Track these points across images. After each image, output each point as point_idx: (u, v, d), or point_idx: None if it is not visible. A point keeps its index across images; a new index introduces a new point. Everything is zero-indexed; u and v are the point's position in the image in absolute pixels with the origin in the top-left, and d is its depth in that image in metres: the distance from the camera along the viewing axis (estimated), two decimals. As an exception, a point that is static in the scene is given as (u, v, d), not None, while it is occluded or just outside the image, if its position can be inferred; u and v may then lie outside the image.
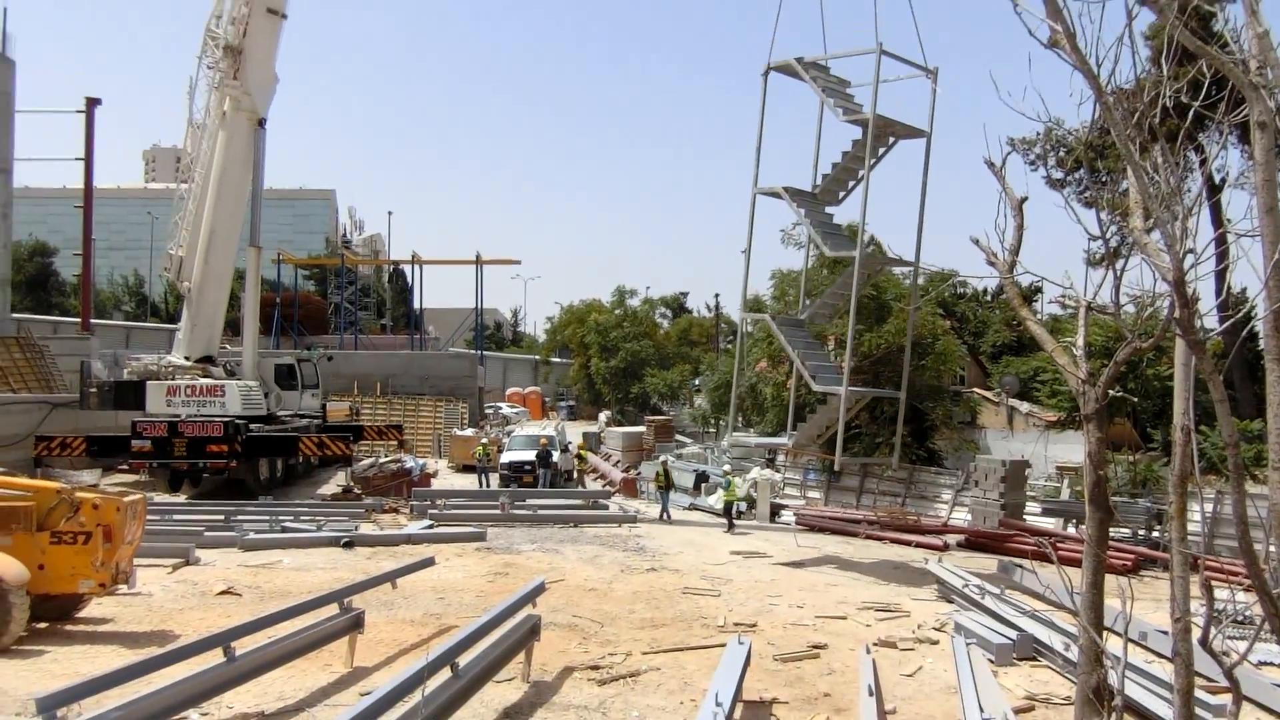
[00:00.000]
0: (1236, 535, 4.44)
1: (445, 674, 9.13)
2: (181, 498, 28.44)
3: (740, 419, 38.39)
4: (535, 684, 11.58)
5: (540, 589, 13.39)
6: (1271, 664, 13.07)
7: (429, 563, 16.91)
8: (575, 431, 46.70)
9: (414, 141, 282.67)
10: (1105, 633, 5.97)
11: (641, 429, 45.06)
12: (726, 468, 30.43)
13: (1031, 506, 27.52)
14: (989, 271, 6.90)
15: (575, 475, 34.43)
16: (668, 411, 56.62)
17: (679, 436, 46.20)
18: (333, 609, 11.97)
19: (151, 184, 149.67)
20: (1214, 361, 4.68)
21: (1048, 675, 12.67)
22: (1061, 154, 36.36)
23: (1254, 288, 4.50)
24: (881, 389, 28.35)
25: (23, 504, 13.22)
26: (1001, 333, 46.88)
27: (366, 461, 32.39)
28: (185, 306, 30.57)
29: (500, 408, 57.33)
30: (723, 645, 12.31)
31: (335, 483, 31.73)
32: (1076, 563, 6.35)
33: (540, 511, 25.99)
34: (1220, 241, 4.93)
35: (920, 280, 29.32)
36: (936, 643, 14.24)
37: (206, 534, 21.03)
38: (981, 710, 10.22)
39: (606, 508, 27.33)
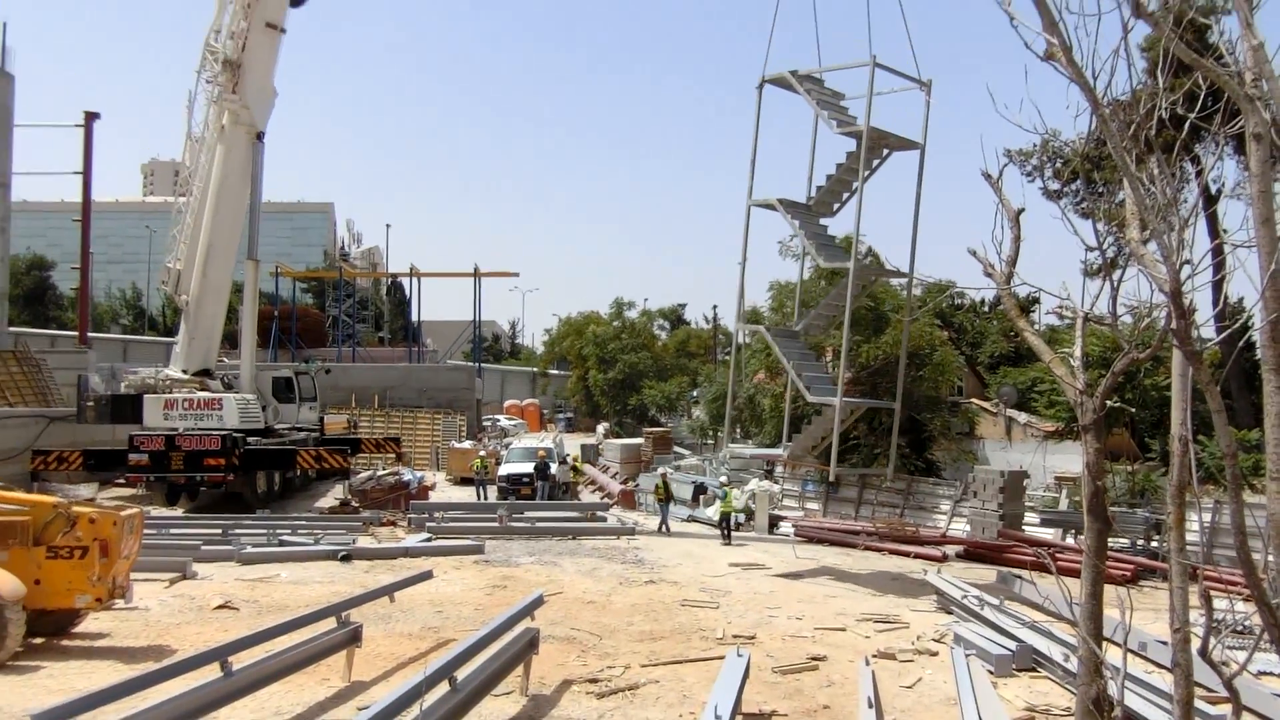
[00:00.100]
0: (1235, 545, 4.44)
1: (443, 688, 9.11)
2: (179, 511, 28.37)
3: (739, 430, 38.41)
4: (534, 697, 11.53)
5: (538, 602, 13.36)
6: (1271, 674, 13.05)
7: (427, 576, 16.88)
8: (574, 443, 46.67)
9: (412, 155, 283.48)
10: (1105, 643, 5.96)
11: (640, 441, 45.02)
12: (723, 479, 30.42)
13: (1030, 517, 27.49)
14: (986, 282, 6.90)
15: (568, 487, 34.42)
16: (666, 423, 56.59)
17: (677, 448, 46.16)
18: (330, 623, 11.94)
19: (150, 197, 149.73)
20: (1211, 372, 4.68)
21: (1047, 686, 12.64)
22: (1058, 165, 36.48)
23: (1251, 298, 4.51)
24: (880, 400, 28.39)
25: (19, 518, 13.18)
26: (999, 343, 46.95)
27: (364, 474, 32.35)
28: (183, 320, 30.58)
29: (498, 420, 57.35)
30: (722, 657, 12.29)
31: (333, 496, 31.68)
32: (1075, 573, 6.34)
33: (538, 524, 25.94)
34: (1217, 252, 4.95)
35: (918, 291, 29.39)
36: (936, 654, 14.21)
37: (204, 548, 20.96)
38: (982, 722, 10.20)
39: (605, 520, 27.29)
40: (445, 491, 35.32)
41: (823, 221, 24.89)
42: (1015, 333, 40.49)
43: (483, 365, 66.79)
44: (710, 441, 47.12)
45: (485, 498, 32.15)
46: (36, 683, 11.79)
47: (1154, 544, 23.49)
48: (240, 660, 9.80)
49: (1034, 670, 13.21)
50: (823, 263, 24.69)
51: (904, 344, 26.61)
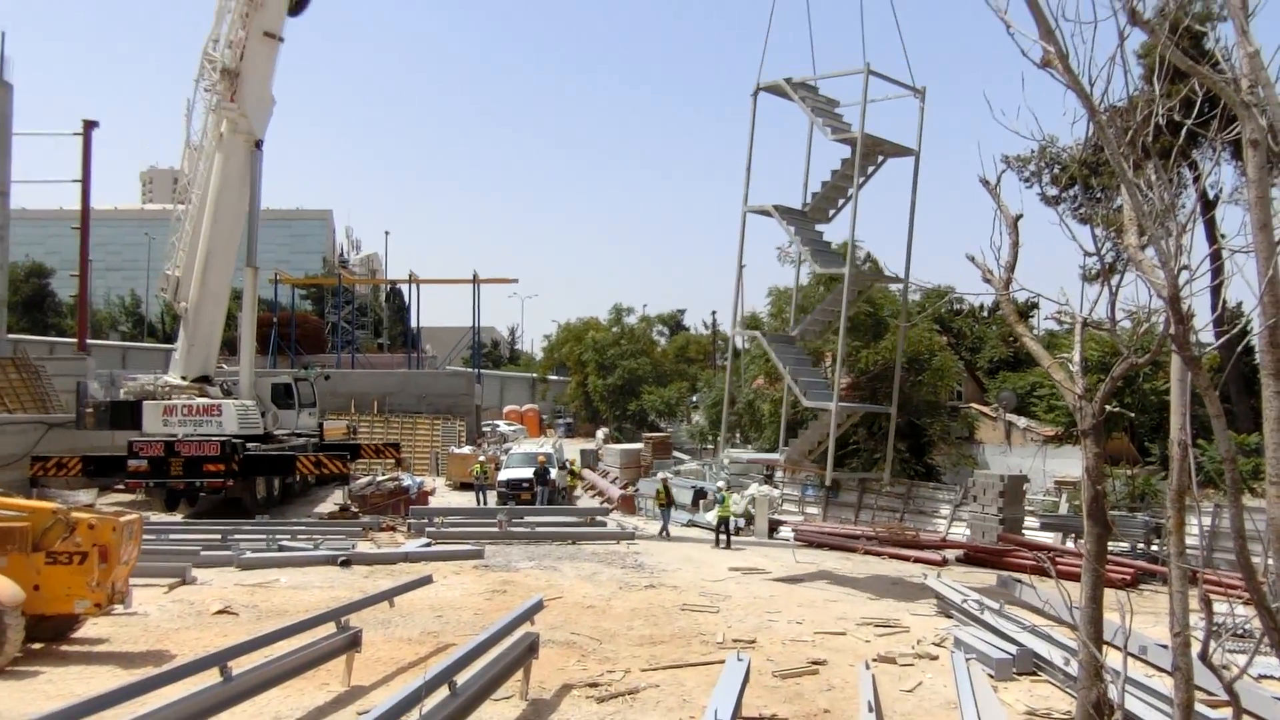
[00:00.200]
0: (1235, 549, 4.45)
1: (443, 692, 9.11)
2: (178, 517, 28.36)
3: (739, 435, 38.42)
4: (533, 702, 11.54)
5: (538, 606, 13.35)
6: (1271, 677, 13.06)
7: (426, 581, 16.87)
8: (573, 449, 46.67)
9: (411, 162, 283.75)
10: (1105, 647, 5.97)
11: (639, 446, 45.02)
12: (720, 484, 30.44)
13: (1030, 521, 27.50)
14: (985, 288, 6.93)
15: (564, 491, 34.43)
16: (665, 428, 56.59)
17: (677, 453, 46.17)
18: (330, 628, 11.94)
19: (149, 205, 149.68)
20: (1210, 376, 4.70)
21: (1048, 690, 12.64)
22: (1056, 171, 36.54)
23: (1249, 303, 4.53)
24: (879, 405, 28.42)
25: (18, 524, 13.18)
26: (998, 348, 46.97)
27: (364, 480, 32.35)
28: (182, 326, 30.59)
29: (498, 425, 57.30)
30: (722, 662, 12.29)
31: (332, 501, 31.68)
32: (1075, 577, 6.36)
33: (538, 529, 25.94)
34: (1215, 257, 4.97)
35: (917, 296, 29.46)
36: (936, 658, 14.21)
37: (203, 553, 20.96)
38: (982, 727, 10.20)
39: (605, 525, 27.27)
40: (445, 497, 35.30)
41: (819, 228, 24.98)
42: (1014, 338, 40.54)
43: (482, 371, 66.75)
44: (710, 446, 47.14)
45: (485, 503, 32.13)
46: (36, 688, 11.78)
47: (1154, 548, 23.49)
48: (240, 665, 9.80)
49: (1034, 674, 13.21)
50: (818, 268, 24.78)
51: (900, 349, 26.71)
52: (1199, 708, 9.67)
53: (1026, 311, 45.18)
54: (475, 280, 64.01)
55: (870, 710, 10.57)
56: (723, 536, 25.77)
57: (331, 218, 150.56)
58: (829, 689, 12.55)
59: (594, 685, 12.29)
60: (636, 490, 35.66)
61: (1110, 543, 6.38)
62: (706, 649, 14.41)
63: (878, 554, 25.21)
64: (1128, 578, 20.86)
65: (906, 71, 23.52)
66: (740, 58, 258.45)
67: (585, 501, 36.61)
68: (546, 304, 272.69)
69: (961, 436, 38.44)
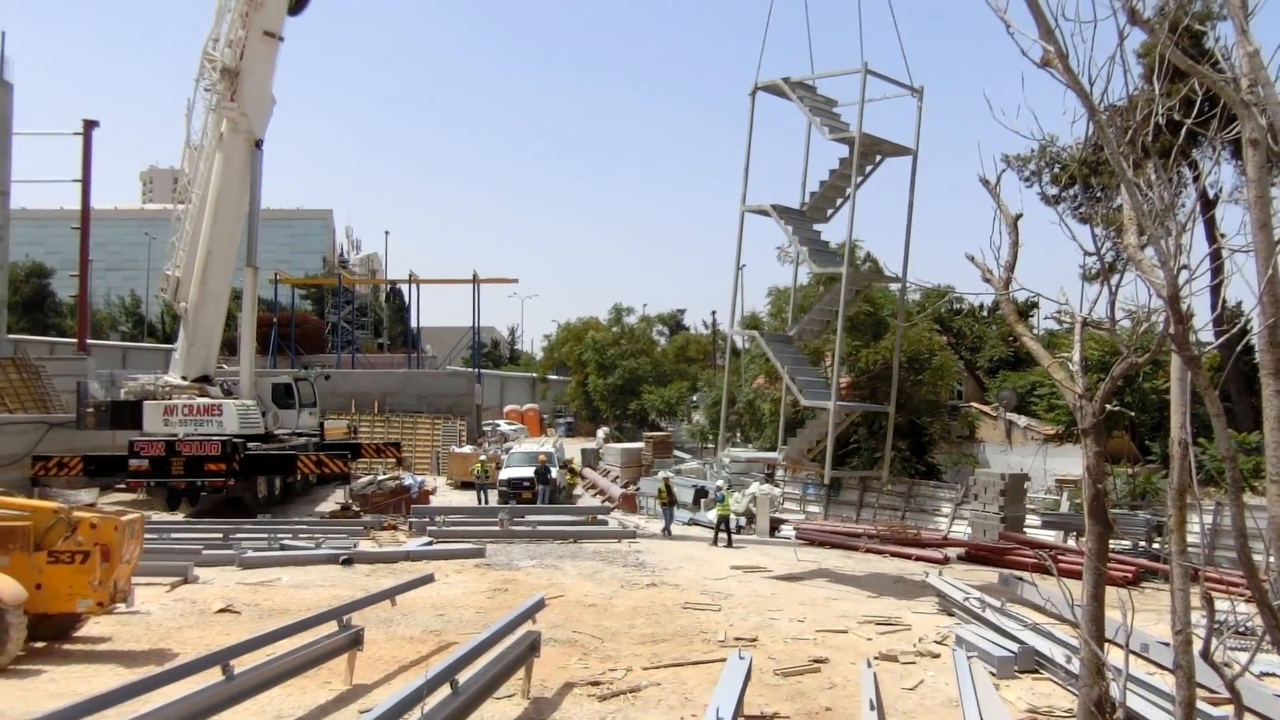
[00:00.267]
0: (1236, 547, 4.47)
1: (445, 691, 9.12)
2: (179, 516, 28.37)
3: (739, 435, 38.45)
4: (535, 700, 11.55)
5: (540, 605, 13.37)
6: (1273, 675, 13.07)
7: (428, 580, 16.89)
8: (574, 448, 46.70)
9: (411, 162, 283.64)
10: (1106, 645, 5.98)
11: (640, 445, 45.05)
12: (719, 483, 30.47)
13: (1031, 520, 27.53)
14: (985, 288, 6.93)
15: (562, 487, 34.50)
16: (666, 428, 56.63)
17: (677, 452, 46.21)
18: (332, 626, 11.95)
19: (149, 205, 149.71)
20: (1210, 375, 4.71)
21: (1049, 688, 12.66)
22: (1056, 171, 36.53)
23: (1249, 302, 4.54)
24: (879, 404, 28.47)
25: (20, 523, 13.20)
26: (998, 348, 46.97)
27: (365, 479, 32.36)
28: (182, 326, 30.60)
29: (498, 425, 57.32)
30: (723, 660, 12.30)
31: (334, 500, 31.70)
32: (1077, 575, 6.37)
33: (539, 528, 25.96)
34: (1215, 257, 4.98)
35: (917, 296, 29.48)
36: (938, 656, 14.22)
37: (205, 552, 20.98)
38: (983, 725, 10.21)
39: (606, 523, 27.30)
40: (446, 496, 35.31)
41: (817, 227, 25.02)
42: (1014, 337, 40.55)
43: (482, 371, 66.77)
44: (710, 446, 47.16)
45: (486, 502, 32.15)
46: (38, 687, 11.80)
47: (1155, 546, 23.51)
48: (242, 664, 9.81)
49: (1036, 672, 13.23)
50: (815, 267, 24.83)
51: (897, 348, 26.76)
52: (1201, 705, 9.69)
53: (1026, 311, 45.15)
54: (475, 280, 64.02)
55: (872, 708, 10.59)
56: (722, 535, 25.79)
57: (331, 218, 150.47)
58: (831, 687, 12.57)
59: (596, 683, 12.30)
60: (638, 489, 35.70)
61: (1111, 541, 6.40)
62: (708, 647, 14.43)
63: (879, 552, 25.23)
64: (1129, 575, 20.87)
65: (905, 71, 23.58)
66: (739, 58, 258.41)
67: (587, 500, 36.63)
68: (546, 304, 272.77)
69: (962, 435, 38.46)
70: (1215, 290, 5.60)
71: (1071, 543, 24.63)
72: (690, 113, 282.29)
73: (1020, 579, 19.18)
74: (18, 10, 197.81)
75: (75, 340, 41.43)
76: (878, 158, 24.20)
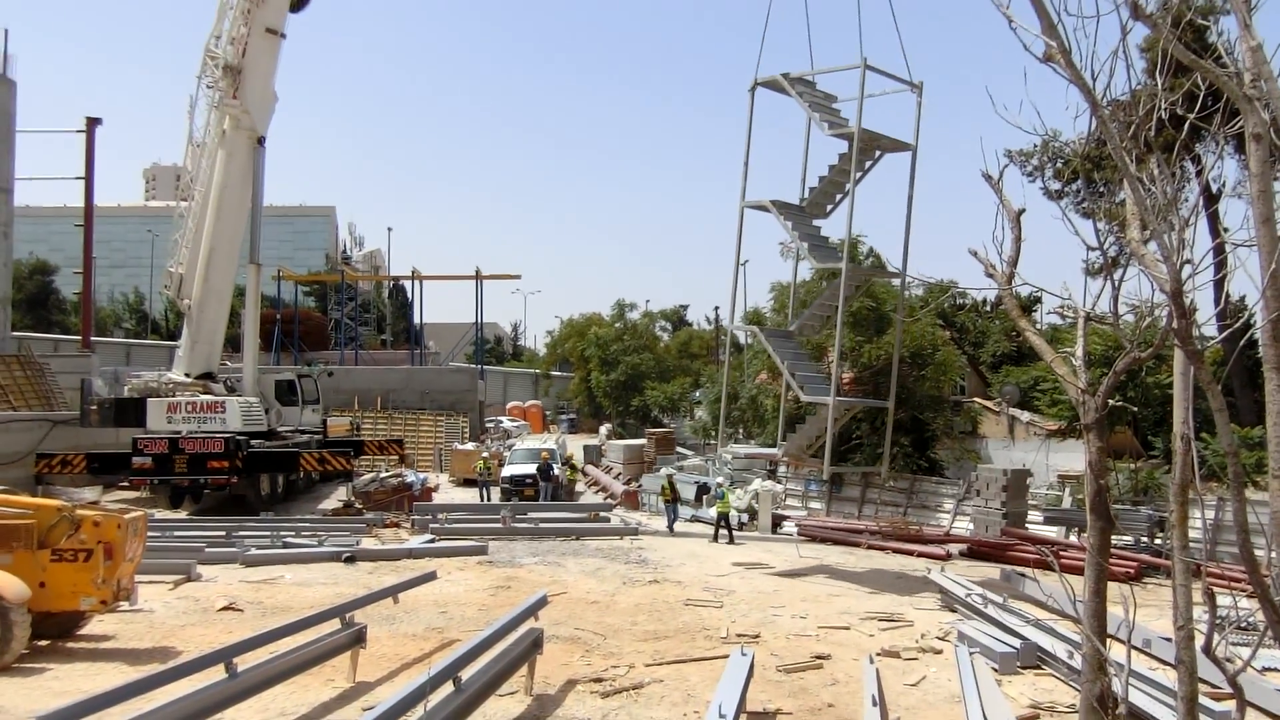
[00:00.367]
0: (1238, 542, 4.46)
1: (448, 688, 9.12)
2: (183, 514, 28.43)
3: (742, 430, 38.45)
4: (538, 697, 11.56)
5: (542, 602, 13.38)
6: (1275, 669, 13.06)
7: (431, 577, 16.90)
8: (577, 445, 46.71)
9: (414, 158, 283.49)
10: (1109, 640, 5.98)
11: (642, 441, 45.04)
12: (720, 479, 30.47)
13: (1033, 515, 27.51)
14: (988, 283, 6.91)
15: (564, 484, 34.54)
16: (668, 424, 56.63)
17: (680, 449, 46.19)
18: (334, 624, 11.95)
19: (152, 202, 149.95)
20: (1213, 370, 4.70)
21: (1052, 683, 12.66)
22: (1058, 166, 36.44)
23: (1252, 296, 4.53)
24: (882, 399, 28.46)
25: (24, 521, 13.22)
26: (1001, 343, 46.95)
27: (367, 476, 32.39)
28: (185, 324, 30.64)
29: (501, 421, 57.36)
30: (726, 657, 12.30)
31: (336, 498, 31.72)
32: (1079, 571, 6.37)
33: (542, 525, 25.98)
34: (1218, 251, 4.96)
35: (919, 291, 29.48)
36: (940, 652, 14.22)
37: (208, 550, 21.01)
38: (986, 719, 10.21)
39: (608, 520, 27.32)
40: (448, 493, 35.35)
41: (817, 223, 25.02)
42: (1017, 332, 40.45)
43: (485, 367, 66.82)
44: (713, 442, 47.16)
45: (488, 499, 32.18)
46: (42, 685, 11.83)
47: (1157, 541, 23.51)
48: (245, 661, 9.82)
49: (1038, 668, 13.22)
50: (815, 263, 24.86)
51: (897, 343, 26.76)
52: (1203, 700, 9.68)
53: (1029, 306, 45.13)
54: (478, 276, 64.09)
55: (874, 704, 10.59)
56: (723, 532, 25.79)
57: (334, 214, 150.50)
58: (833, 683, 12.57)
59: (598, 680, 12.31)
60: (640, 486, 35.70)
61: (1114, 536, 6.39)
62: (710, 644, 14.43)
63: (881, 548, 25.22)
64: (1131, 571, 20.85)
65: (905, 67, 23.56)
66: (738, 57, 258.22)
67: (589, 497, 36.64)
68: (549, 300, 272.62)
69: (964, 431, 38.44)
70: (1218, 285, 5.58)
71: (1074, 538, 24.61)
72: (690, 112, 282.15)
73: (1022, 575, 19.17)
74: (21, 8, 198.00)
75: (79, 337, 41.47)
76: (877, 153, 24.20)
